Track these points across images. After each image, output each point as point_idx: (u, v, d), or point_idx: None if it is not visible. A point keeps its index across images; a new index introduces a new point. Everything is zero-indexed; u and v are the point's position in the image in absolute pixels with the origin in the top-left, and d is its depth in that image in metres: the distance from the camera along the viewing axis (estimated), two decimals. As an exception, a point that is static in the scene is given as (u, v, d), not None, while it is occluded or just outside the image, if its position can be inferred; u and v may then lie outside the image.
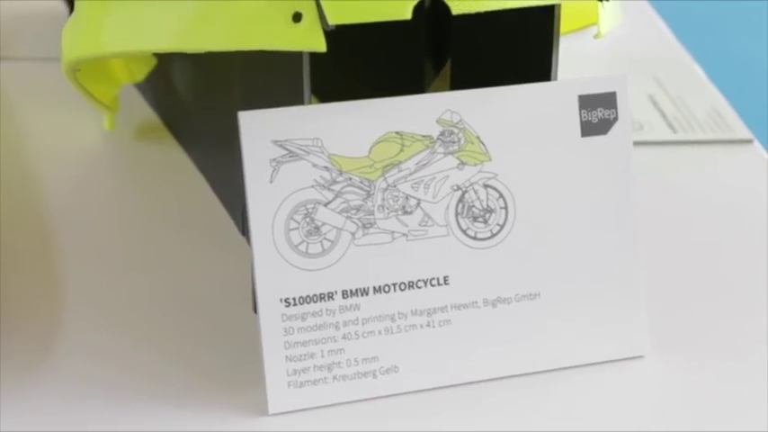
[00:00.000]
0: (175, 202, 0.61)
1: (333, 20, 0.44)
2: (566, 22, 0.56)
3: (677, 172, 0.65)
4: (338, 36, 0.45)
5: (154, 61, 0.66)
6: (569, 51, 0.56)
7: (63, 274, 0.55)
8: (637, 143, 0.61)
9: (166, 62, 0.65)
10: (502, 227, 0.48)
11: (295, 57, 0.47)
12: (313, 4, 0.45)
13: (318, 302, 0.46)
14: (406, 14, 0.44)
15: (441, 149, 0.47)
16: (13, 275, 0.54)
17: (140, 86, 0.70)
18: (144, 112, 0.70)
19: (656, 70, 0.76)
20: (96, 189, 0.62)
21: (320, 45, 0.45)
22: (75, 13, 0.56)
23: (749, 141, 0.68)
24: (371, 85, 0.65)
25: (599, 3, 0.48)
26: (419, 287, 0.47)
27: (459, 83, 0.59)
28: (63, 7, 0.80)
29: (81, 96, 0.61)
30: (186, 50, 0.48)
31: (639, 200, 0.49)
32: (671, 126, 0.69)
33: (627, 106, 0.48)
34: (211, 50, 0.47)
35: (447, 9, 0.44)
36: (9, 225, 0.58)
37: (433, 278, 0.47)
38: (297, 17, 0.45)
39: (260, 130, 0.45)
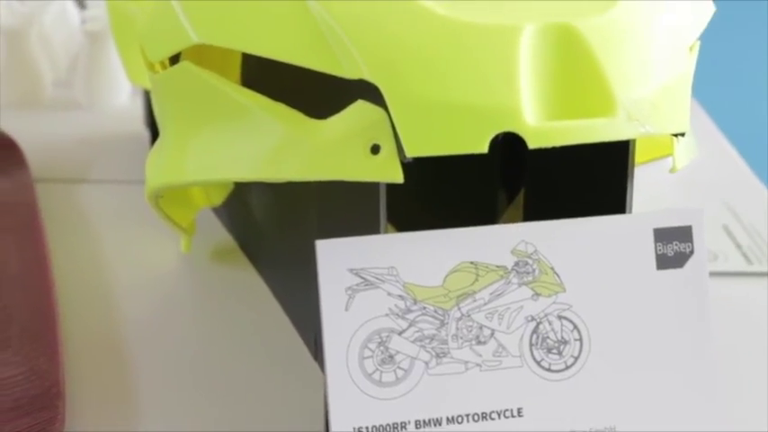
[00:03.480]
0: (249, 325, 0.61)
1: (411, 152, 0.45)
2: (640, 152, 0.56)
3: (752, 304, 0.64)
4: (413, 165, 0.46)
5: (231, 186, 0.68)
6: (641, 177, 0.56)
7: (136, 396, 0.55)
8: (711, 274, 0.60)
9: (243, 187, 0.66)
10: (576, 359, 0.48)
11: (372, 186, 0.48)
12: (391, 137, 0.46)
13: (391, 432, 0.46)
14: (483, 148, 0.44)
15: (515, 280, 0.47)
16: (87, 395, 0.55)
17: (217, 210, 0.72)
18: (220, 235, 0.71)
19: (729, 199, 0.76)
20: (171, 310, 0.63)
21: (398, 177, 0.46)
22: (159, 141, 0.58)
23: (826, 273, 0.67)
24: (445, 212, 0.66)
25: (674, 137, 0.48)
26: (492, 418, 0.47)
27: (532, 212, 0.60)
28: (144, 132, 0.83)
29: (160, 220, 0.63)
30: (266, 180, 0.49)
31: (715, 332, 0.48)
32: (745, 256, 0.69)
33: (703, 240, 0.48)
34: (290, 180, 0.48)
35: (522, 141, 0.45)
36: (85, 344, 0.59)
37: (507, 410, 0.47)
38: (375, 149, 0.46)
39: (336, 258, 0.46)
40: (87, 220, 0.73)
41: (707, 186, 0.78)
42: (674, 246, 0.48)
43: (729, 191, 0.78)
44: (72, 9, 1.06)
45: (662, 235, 0.48)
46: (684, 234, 0.48)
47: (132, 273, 0.66)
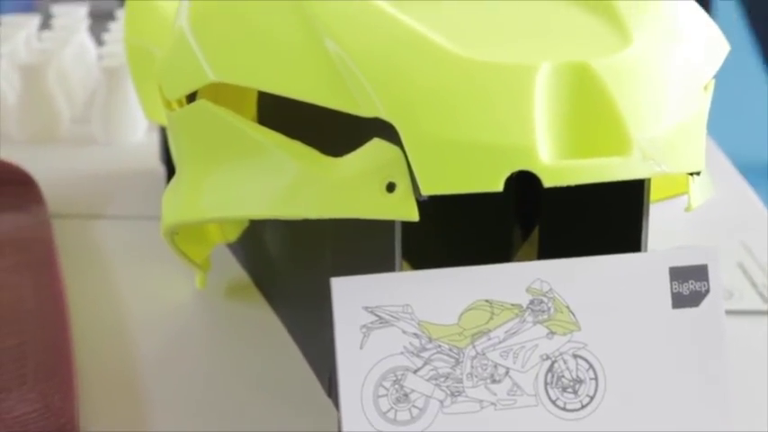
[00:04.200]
0: (263, 362, 0.61)
1: (426, 191, 0.45)
2: (656, 190, 0.56)
3: (769, 342, 0.64)
4: (428, 201, 0.46)
5: (246, 222, 0.68)
6: (656, 215, 0.56)
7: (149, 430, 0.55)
8: (726, 312, 0.60)
9: (258, 223, 0.66)
10: (592, 398, 0.47)
11: (387, 224, 0.48)
12: (407, 175, 0.46)
13: (406, 471, 0.46)
14: (498, 186, 0.45)
15: (530, 318, 0.47)
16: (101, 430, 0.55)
17: (232, 246, 0.72)
18: (235, 271, 0.71)
19: (744, 237, 0.76)
20: (186, 347, 0.63)
21: (413, 215, 0.46)
22: (175, 178, 0.58)
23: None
24: (459, 249, 0.66)
25: (689, 176, 0.48)
26: (508, 458, 0.47)
27: (547, 250, 0.60)
28: (160, 168, 0.83)
29: (175, 256, 0.63)
30: (282, 218, 0.49)
31: (730, 371, 0.48)
32: (761, 295, 0.69)
33: (718, 279, 0.48)
34: (306, 218, 0.48)
35: (537, 179, 0.45)
36: (100, 380, 0.59)
37: (522, 449, 0.47)
38: (390, 187, 0.46)
39: (352, 296, 0.46)
40: (103, 255, 0.74)
41: (722, 224, 0.78)
42: (689, 284, 0.48)
43: (745, 228, 0.78)
44: (90, 46, 1.07)
45: (677, 274, 0.48)
46: (700, 273, 0.48)
47: (147, 309, 0.67)
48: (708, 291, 0.48)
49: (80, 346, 0.61)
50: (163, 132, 0.80)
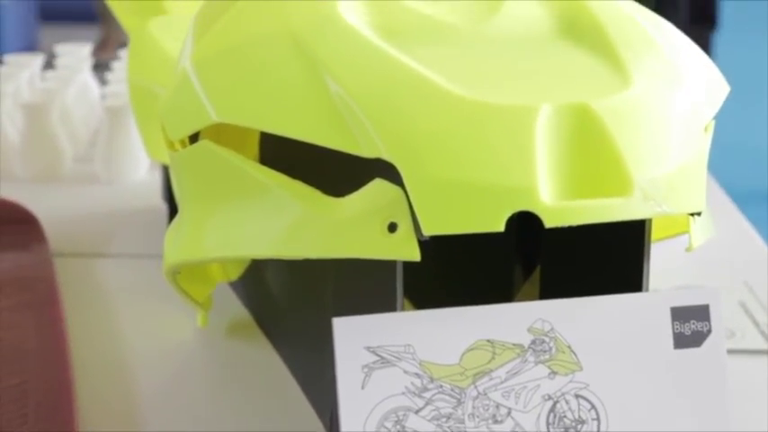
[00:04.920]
0: (264, 400, 0.61)
1: (428, 231, 0.45)
2: (657, 229, 0.56)
3: (771, 381, 0.64)
4: (429, 241, 0.46)
5: (248, 261, 0.68)
6: (657, 254, 0.56)
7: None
8: (728, 351, 0.60)
9: (260, 262, 0.67)
10: (594, 438, 0.47)
11: (389, 263, 0.48)
12: (408, 215, 0.46)
13: None
14: (500, 227, 0.45)
15: (532, 358, 0.47)
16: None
17: (233, 284, 0.72)
18: (236, 309, 0.71)
19: (746, 276, 0.76)
20: (187, 385, 0.63)
21: (414, 255, 0.46)
22: (177, 218, 0.58)
23: None
24: (461, 287, 0.66)
25: (690, 216, 0.49)
26: (510, 499, 0.46)
27: (548, 289, 0.60)
28: (162, 206, 0.83)
29: (177, 294, 0.63)
30: (284, 257, 0.49)
31: (733, 411, 0.48)
32: (763, 334, 0.69)
33: (720, 319, 0.48)
34: (308, 257, 0.48)
35: (538, 219, 0.45)
36: (101, 419, 0.59)
37: (524, 490, 0.47)
38: (392, 227, 0.46)
39: (353, 336, 0.46)
40: (105, 294, 0.74)
41: (723, 262, 0.78)
42: (691, 325, 0.48)
43: (746, 267, 0.78)
44: (93, 85, 1.08)
45: (679, 314, 0.48)
46: (702, 313, 0.48)
47: (149, 347, 0.67)
48: (710, 331, 0.48)
49: (82, 384, 0.61)
50: (165, 171, 0.80)
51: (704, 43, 2.87)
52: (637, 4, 0.55)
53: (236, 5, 0.54)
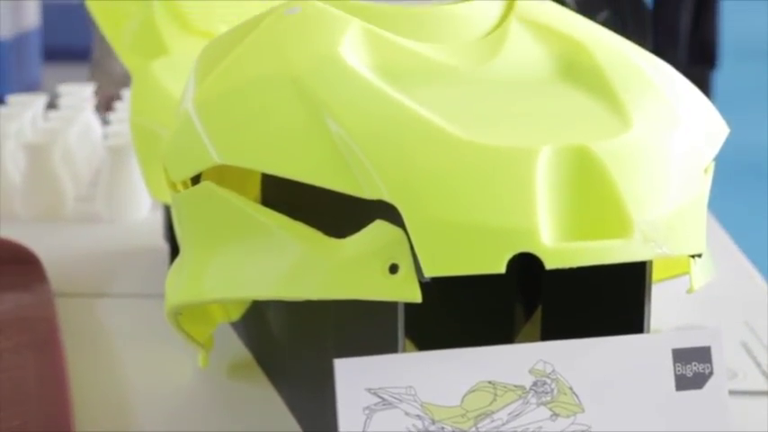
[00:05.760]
0: (266, 442, 0.61)
1: (429, 272, 0.45)
2: (657, 270, 0.56)
3: (773, 422, 0.64)
4: (430, 282, 0.46)
5: (249, 301, 0.68)
6: (658, 294, 0.56)
7: None
8: (730, 392, 0.60)
9: (261, 302, 0.67)
10: (596, 481, 0.47)
11: (390, 304, 0.48)
12: (410, 256, 0.46)
13: None
14: (501, 268, 0.45)
15: (533, 400, 0.47)
16: None
17: (234, 324, 0.72)
18: (237, 349, 0.71)
19: (747, 316, 0.76)
20: (188, 425, 0.63)
21: (416, 296, 0.46)
22: (179, 259, 0.58)
23: None
24: (462, 327, 0.66)
25: (691, 258, 0.49)
26: None
27: (549, 329, 0.60)
28: (164, 245, 0.83)
29: (178, 335, 0.63)
30: (285, 298, 0.49)
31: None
32: (765, 374, 0.68)
33: (722, 360, 0.48)
34: (309, 299, 0.49)
35: (539, 260, 0.45)
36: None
37: None
38: (393, 268, 0.46)
39: (355, 377, 0.46)
40: (106, 334, 0.74)
41: (724, 302, 0.78)
42: (693, 366, 0.48)
43: (748, 307, 0.78)
44: (95, 125, 1.08)
45: (681, 355, 0.48)
46: (703, 355, 0.48)
47: (150, 387, 0.66)
48: (711, 373, 0.48)
49: (82, 425, 0.61)
50: (166, 210, 0.81)
51: (704, 83, 2.88)
52: (635, 46, 0.55)
53: (238, 48, 0.55)
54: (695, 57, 2.89)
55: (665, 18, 2.79)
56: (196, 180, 0.57)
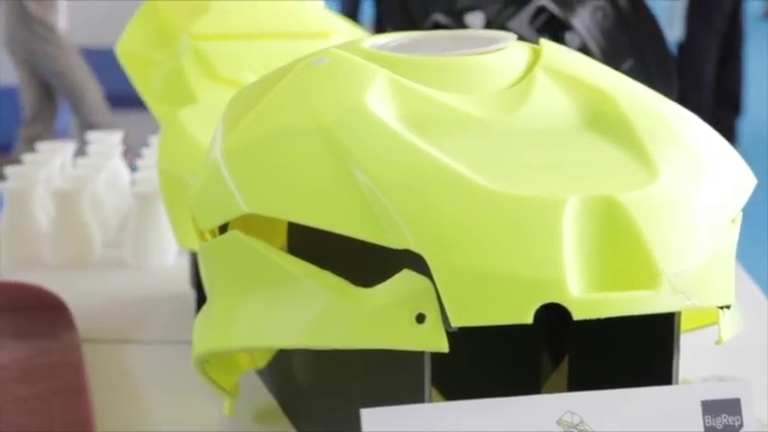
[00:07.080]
0: (291, 492, 0.61)
1: (456, 322, 0.45)
2: (686, 320, 0.56)
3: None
4: (457, 332, 0.46)
5: (276, 349, 0.68)
6: (686, 343, 0.56)
7: None
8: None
9: (287, 350, 0.67)
10: None
11: (417, 354, 0.48)
12: (436, 306, 0.46)
13: None
14: (528, 319, 0.45)
15: (561, 451, 0.47)
16: None
17: (260, 371, 0.72)
18: (262, 396, 0.71)
19: (776, 365, 0.75)
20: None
21: (443, 346, 0.46)
22: (206, 307, 0.58)
23: None
24: (489, 377, 0.66)
25: (719, 309, 0.48)
26: None
27: (577, 379, 0.59)
28: (190, 292, 0.84)
29: (204, 383, 0.63)
30: (312, 347, 0.49)
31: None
32: (795, 425, 0.68)
33: (752, 413, 0.48)
34: (336, 348, 0.49)
35: (566, 311, 0.45)
36: None
37: None
38: (420, 318, 0.46)
39: (382, 427, 0.46)
40: (133, 380, 0.74)
41: (752, 352, 0.78)
42: (722, 418, 0.48)
43: (776, 356, 0.77)
44: (123, 171, 1.09)
45: (710, 407, 0.48)
46: (733, 407, 0.48)
47: (175, 435, 0.66)
48: (741, 425, 0.48)
49: (108, 473, 0.61)
50: (193, 257, 0.81)
51: (729, 129, 2.88)
52: (660, 95, 0.55)
53: (266, 98, 0.55)
54: (720, 104, 2.88)
55: (689, 66, 2.80)
56: (223, 229, 0.57)
